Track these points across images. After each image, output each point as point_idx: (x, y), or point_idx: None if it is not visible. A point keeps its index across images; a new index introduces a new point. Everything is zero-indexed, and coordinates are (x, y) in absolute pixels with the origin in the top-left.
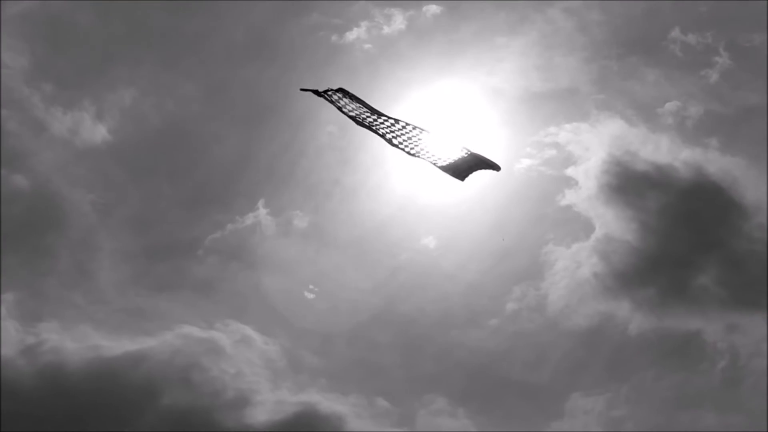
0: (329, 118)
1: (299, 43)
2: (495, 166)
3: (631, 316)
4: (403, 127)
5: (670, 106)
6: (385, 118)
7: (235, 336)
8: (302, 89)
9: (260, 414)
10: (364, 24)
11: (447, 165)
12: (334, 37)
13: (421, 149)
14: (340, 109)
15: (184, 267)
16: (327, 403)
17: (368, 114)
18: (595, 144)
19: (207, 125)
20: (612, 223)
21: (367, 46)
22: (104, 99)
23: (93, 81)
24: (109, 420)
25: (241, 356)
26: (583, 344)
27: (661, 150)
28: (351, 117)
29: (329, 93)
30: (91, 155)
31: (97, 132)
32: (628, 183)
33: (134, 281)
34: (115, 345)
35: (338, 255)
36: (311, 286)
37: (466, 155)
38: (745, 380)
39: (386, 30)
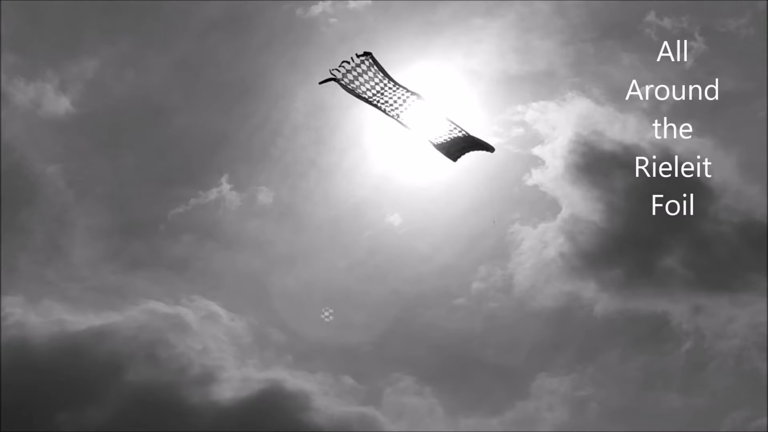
0: (301, 95)
1: (265, 16)
2: (489, 147)
3: (597, 297)
4: (405, 100)
5: (644, 90)
6: (393, 88)
7: (201, 312)
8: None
9: (226, 391)
10: None
11: (441, 143)
12: (299, 11)
13: (419, 125)
14: (355, 93)
15: (148, 242)
16: (293, 380)
17: (376, 84)
18: (562, 123)
19: (172, 99)
20: (578, 203)
21: (333, 20)
22: (67, 70)
23: (56, 51)
24: (73, 395)
25: (207, 332)
26: (549, 325)
27: (629, 130)
28: (363, 98)
29: (346, 75)
30: (55, 128)
31: (60, 104)
32: (594, 163)
33: (100, 256)
34: (79, 320)
35: (312, 234)
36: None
37: (461, 135)
38: (710, 362)
39: (352, 5)
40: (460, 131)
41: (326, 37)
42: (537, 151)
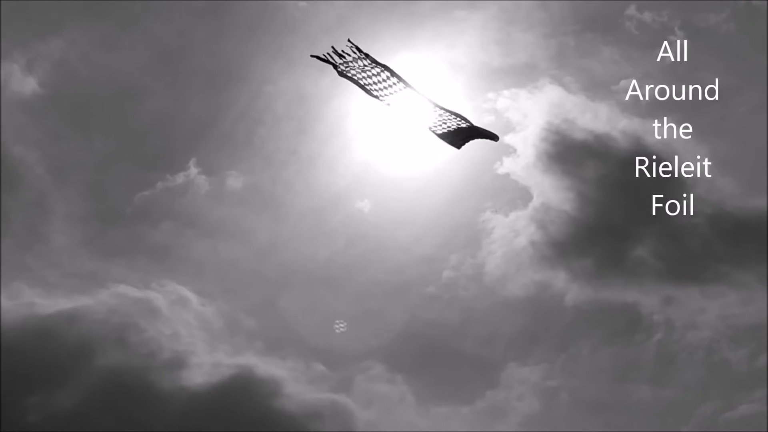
0: (282, 84)
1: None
2: (493, 136)
3: (568, 287)
4: (401, 89)
5: (625, 83)
6: (395, 81)
7: (172, 296)
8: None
9: (196, 376)
10: None
11: (444, 133)
12: None
13: (426, 118)
14: (348, 76)
15: (118, 226)
16: (264, 366)
17: (374, 74)
18: (534, 111)
19: (143, 83)
20: (549, 192)
21: (303, 4)
22: (35, 50)
23: (23, 30)
24: (42, 379)
25: (178, 317)
26: (520, 314)
27: (600, 119)
28: (360, 85)
29: (342, 63)
30: (21, 108)
31: (26, 84)
32: (566, 151)
33: (70, 240)
34: (49, 303)
35: (292, 222)
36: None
37: (464, 126)
38: (679, 354)
39: None
40: (464, 123)
41: (309, 27)
42: (508, 139)
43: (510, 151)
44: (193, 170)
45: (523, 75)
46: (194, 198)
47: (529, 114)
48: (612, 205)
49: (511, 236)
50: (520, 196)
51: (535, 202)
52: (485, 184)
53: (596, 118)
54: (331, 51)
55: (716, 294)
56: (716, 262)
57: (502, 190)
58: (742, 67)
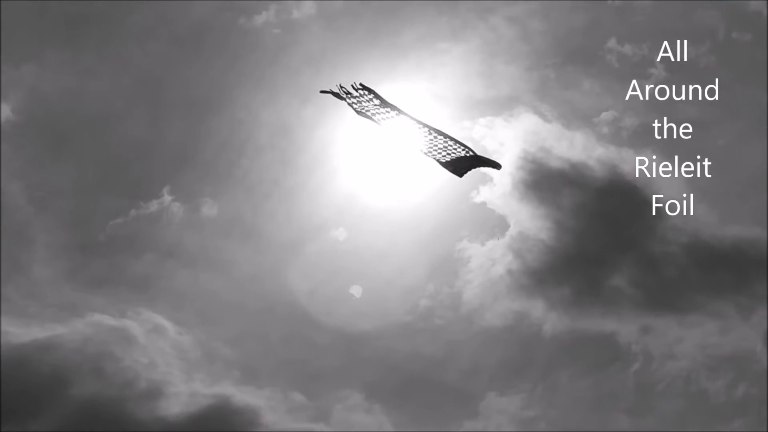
0: (265, 115)
1: (209, 26)
2: (496, 165)
3: (546, 317)
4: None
5: (606, 115)
6: (397, 113)
7: (148, 325)
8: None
9: (173, 406)
10: (272, 6)
11: (448, 161)
12: (241, 20)
13: (429, 147)
14: (357, 109)
15: (91, 254)
16: (241, 395)
17: (383, 111)
18: (509, 139)
19: (120, 111)
20: (526, 221)
21: (276, 30)
22: (8, 75)
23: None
24: (16, 408)
25: (154, 346)
26: (499, 344)
27: (576, 147)
28: (367, 116)
29: (350, 94)
30: None
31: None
32: (542, 180)
33: (46, 268)
34: (22, 332)
35: (274, 254)
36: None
37: (467, 154)
38: (658, 384)
39: (296, 14)
40: (467, 151)
41: (291, 57)
42: (485, 168)
43: (486, 179)
44: (167, 198)
45: (504, 107)
46: (169, 226)
47: (505, 142)
48: (589, 234)
49: (488, 265)
50: (497, 224)
51: (512, 230)
52: (462, 212)
53: (572, 147)
54: (337, 87)
55: (694, 323)
56: (693, 291)
57: (478, 219)
58: (721, 99)
